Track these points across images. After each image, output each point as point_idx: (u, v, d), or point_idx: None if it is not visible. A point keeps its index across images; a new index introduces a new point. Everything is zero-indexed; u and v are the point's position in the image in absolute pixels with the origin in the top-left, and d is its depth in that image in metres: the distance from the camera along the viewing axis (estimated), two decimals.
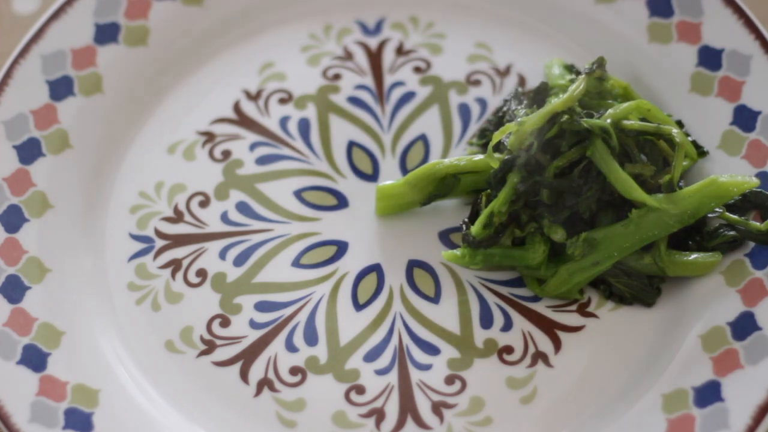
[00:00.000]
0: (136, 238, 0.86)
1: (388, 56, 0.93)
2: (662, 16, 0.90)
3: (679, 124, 0.86)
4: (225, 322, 0.83)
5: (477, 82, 0.91)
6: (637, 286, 0.82)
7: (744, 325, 0.78)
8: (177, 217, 0.87)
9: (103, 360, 0.81)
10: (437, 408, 0.79)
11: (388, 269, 0.85)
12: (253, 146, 0.89)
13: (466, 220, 0.83)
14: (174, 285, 0.84)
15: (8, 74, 0.88)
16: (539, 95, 0.85)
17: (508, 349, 0.81)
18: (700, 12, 0.89)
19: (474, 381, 0.80)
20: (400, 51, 0.93)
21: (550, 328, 0.82)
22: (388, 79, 0.92)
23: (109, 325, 0.83)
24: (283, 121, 0.90)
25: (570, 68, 0.88)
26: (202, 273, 0.85)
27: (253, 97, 0.91)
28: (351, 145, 0.89)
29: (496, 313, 0.82)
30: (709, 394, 0.76)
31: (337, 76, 0.92)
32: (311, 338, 0.82)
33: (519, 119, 0.80)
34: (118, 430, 0.78)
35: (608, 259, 0.80)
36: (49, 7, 0.93)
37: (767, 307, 0.78)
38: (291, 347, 0.82)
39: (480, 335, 0.82)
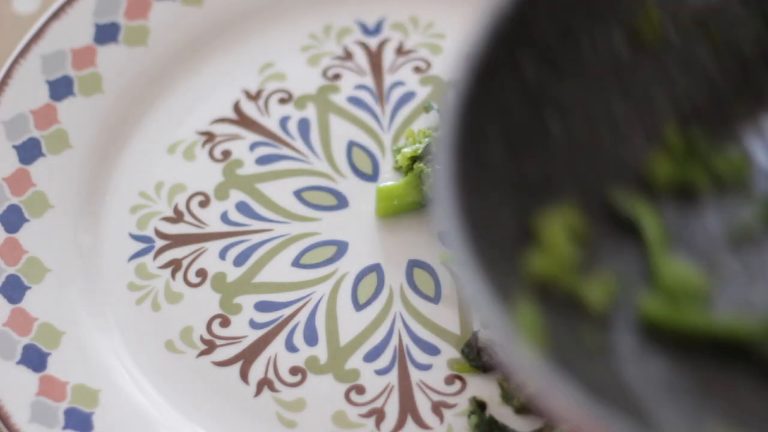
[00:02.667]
0: (136, 238, 0.86)
1: (388, 56, 0.93)
2: None
3: None
4: (225, 322, 0.83)
5: None
6: None
7: None
8: (177, 217, 0.87)
9: (103, 360, 0.81)
10: (437, 408, 0.79)
11: (388, 269, 0.85)
12: (253, 146, 0.89)
13: None
14: (174, 285, 0.84)
15: (8, 74, 0.87)
16: None
17: None
18: None
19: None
20: (400, 51, 0.93)
21: None
22: (388, 79, 0.92)
23: (109, 325, 0.83)
24: (283, 121, 0.90)
25: None
26: (202, 273, 0.85)
27: (253, 97, 0.91)
28: (351, 145, 0.89)
29: None
30: None
31: (337, 76, 0.92)
32: (311, 338, 0.82)
33: None
34: (118, 430, 0.78)
35: None
36: (49, 7, 0.93)
37: None
38: (291, 347, 0.82)
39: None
